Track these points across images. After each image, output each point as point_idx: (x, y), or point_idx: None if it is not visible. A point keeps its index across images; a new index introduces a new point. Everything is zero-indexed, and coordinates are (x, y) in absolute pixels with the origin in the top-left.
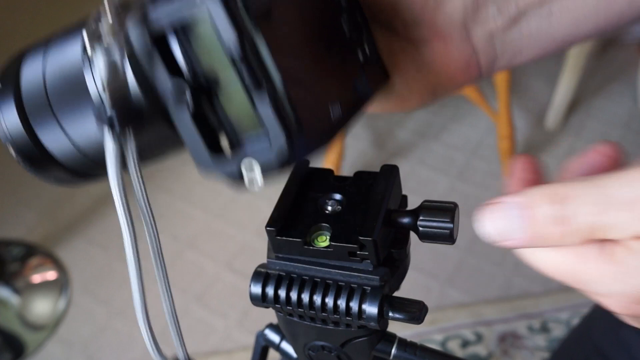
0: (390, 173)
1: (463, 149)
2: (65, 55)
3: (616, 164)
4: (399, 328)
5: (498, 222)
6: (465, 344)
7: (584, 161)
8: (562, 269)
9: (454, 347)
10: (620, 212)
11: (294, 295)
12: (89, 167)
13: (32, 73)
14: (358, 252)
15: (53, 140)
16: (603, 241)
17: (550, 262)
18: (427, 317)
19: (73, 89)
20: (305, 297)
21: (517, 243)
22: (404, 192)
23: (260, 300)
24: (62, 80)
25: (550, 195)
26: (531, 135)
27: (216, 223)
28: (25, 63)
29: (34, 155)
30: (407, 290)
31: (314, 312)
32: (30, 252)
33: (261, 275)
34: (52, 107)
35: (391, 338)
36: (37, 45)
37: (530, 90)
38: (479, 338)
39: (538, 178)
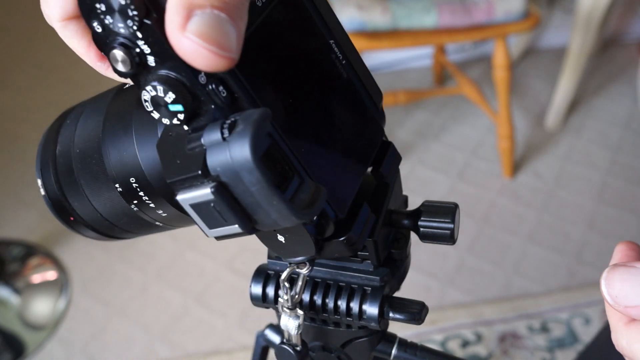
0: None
1: (463, 149)
2: (91, 128)
3: None
4: (398, 328)
5: (628, 285)
6: (465, 344)
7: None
8: None
9: (454, 347)
10: None
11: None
12: (114, 229)
13: (64, 139)
14: (359, 253)
15: (80, 204)
16: None
17: None
18: (427, 317)
19: (92, 162)
20: (306, 297)
21: (635, 312)
22: (404, 192)
23: (261, 301)
24: (84, 152)
25: None
26: (531, 135)
27: None
28: (63, 125)
29: (66, 214)
30: (407, 290)
31: (314, 312)
32: (30, 252)
33: (261, 276)
34: (76, 175)
35: (391, 338)
36: (77, 111)
37: (530, 90)
38: (479, 338)
39: None
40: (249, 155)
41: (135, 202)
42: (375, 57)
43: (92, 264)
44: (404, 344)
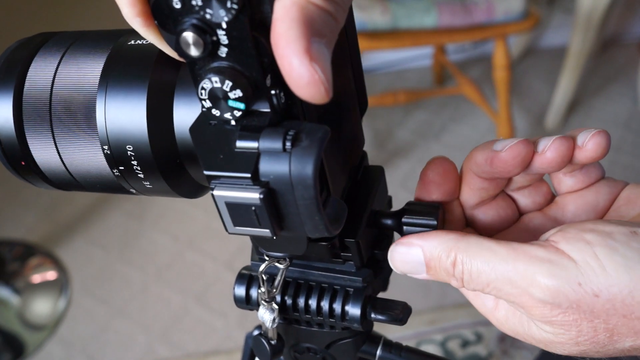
0: (375, 174)
1: (463, 149)
2: (83, 73)
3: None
4: (398, 328)
5: (406, 265)
6: (465, 344)
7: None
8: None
9: (454, 347)
10: (506, 286)
11: (277, 298)
12: (72, 185)
13: (42, 73)
14: (341, 254)
15: (42, 152)
16: None
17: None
18: (427, 317)
19: (79, 113)
20: (289, 299)
21: (421, 278)
22: (404, 192)
23: (244, 303)
24: (71, 99)
25: (451, 250)
26: (531, 135)
27: (216, 223)
28: (40, 55)
29: (16, 157)
30: (406, 290)
31: (297, 314)
32: (30, 252)
33: (245, 278)
34: (51, 121)
35: (376, 339)
36: (61, 39)
37: (530, 90)
38: (479, 338)
39: (453, 185)
40: (311, 173)
41: (121, 168)
42: (375, 57)
43: (92, 264)
44: (388, 345)
